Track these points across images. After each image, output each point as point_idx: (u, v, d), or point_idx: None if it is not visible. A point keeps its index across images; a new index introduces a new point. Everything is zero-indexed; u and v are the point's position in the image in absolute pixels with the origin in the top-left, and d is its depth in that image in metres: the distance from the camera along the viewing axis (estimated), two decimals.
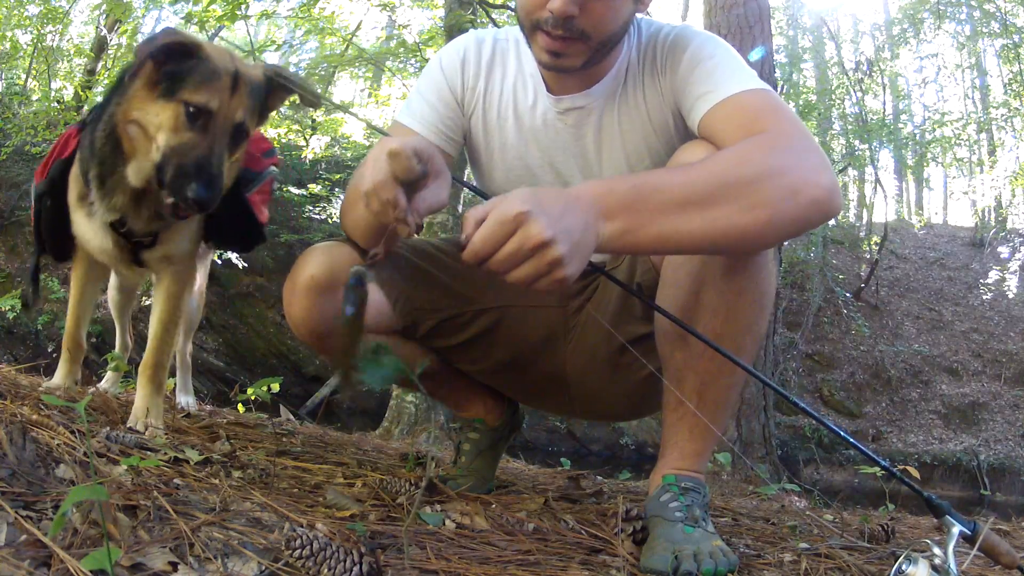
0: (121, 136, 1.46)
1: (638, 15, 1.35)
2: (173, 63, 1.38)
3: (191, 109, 1.37)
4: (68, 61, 12.61)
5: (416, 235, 1.08)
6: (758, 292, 1.25)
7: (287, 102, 1.59)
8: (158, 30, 1.47)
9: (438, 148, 1.47)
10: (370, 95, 11.42)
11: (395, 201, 1.02)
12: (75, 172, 1.59)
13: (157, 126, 1.40)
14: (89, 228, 1.59)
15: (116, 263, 1.67)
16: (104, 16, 10.24)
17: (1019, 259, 14.56)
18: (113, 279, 2.24)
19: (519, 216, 0.93)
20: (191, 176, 1.36)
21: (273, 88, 1.49)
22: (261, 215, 1.84)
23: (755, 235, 1.07)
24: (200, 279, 2.31)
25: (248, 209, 1.71)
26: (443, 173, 1.11)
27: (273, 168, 1.89)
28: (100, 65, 10.94)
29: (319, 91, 1.71)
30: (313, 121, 10.46)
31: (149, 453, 1.27)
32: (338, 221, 2.18)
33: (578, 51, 1.26)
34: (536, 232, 0.93)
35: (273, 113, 1.63)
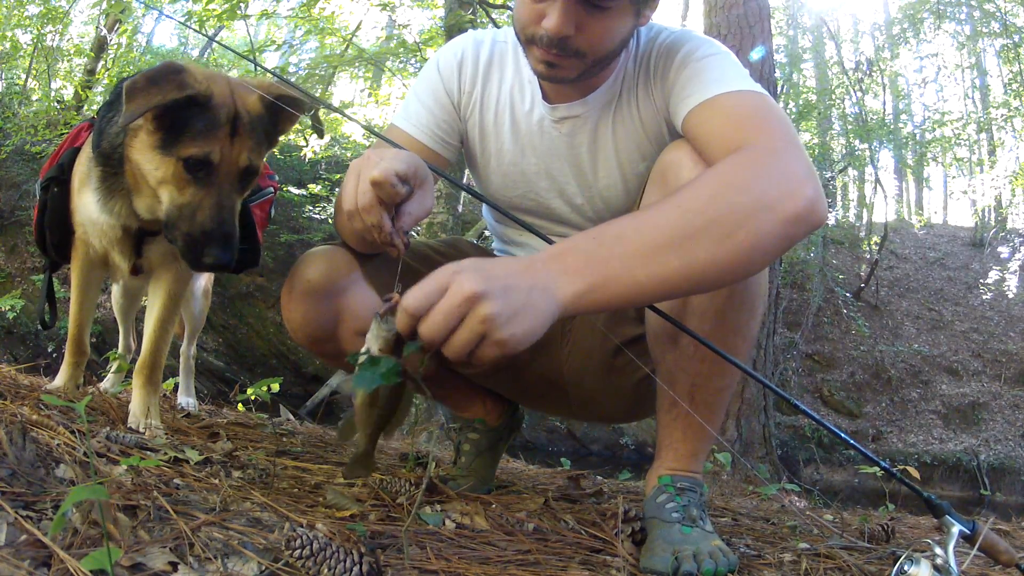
0: (125, 161, 1.41)
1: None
2: (169, 115, 1.31)
3: (191, 162, 1.31)
4: (68, 61, 12.62)
5: (405, 248, 1.06)
6: (748, 294, 1.23)
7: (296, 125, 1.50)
8: (157, 65, 1.33)
9: (434, 153, 1.45)
10: (370, 95, 11.41)
11: (380, 225, 1.02)
12: (86, 150, 1.55)
13: (158, 180, 1.35)
14: (95, 206, 1.52)
15: (115, 248, 1.60)
16: (104, 16, 10.24)
17: (1019, 259, 14.57)
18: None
19: (452, 274, 0.88)
20: (203, 243, 1.31)
21: (278, 112, 1.42)
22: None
23: (740, 264, 1.00)
24: (205, 280, 2.31)
25: (250, 220, 1.65)
26: (427, 181, 1.09)
27: (271, 190, 1.86)
28: (100, 65, 10.94)
29: (311, 99, 1.59)
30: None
31: (149, 453, 1.27)
32: None
33: (573, 66, 1.24)
34: (467, 284, 0.86)
35: (283, 137, 1.55)
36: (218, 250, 1.31)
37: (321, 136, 1.57)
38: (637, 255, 0.95)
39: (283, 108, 1.41)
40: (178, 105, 1.29)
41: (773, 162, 1.06)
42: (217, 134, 1.32)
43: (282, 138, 1.53)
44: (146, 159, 1.36)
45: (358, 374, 0.92)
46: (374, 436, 1.01)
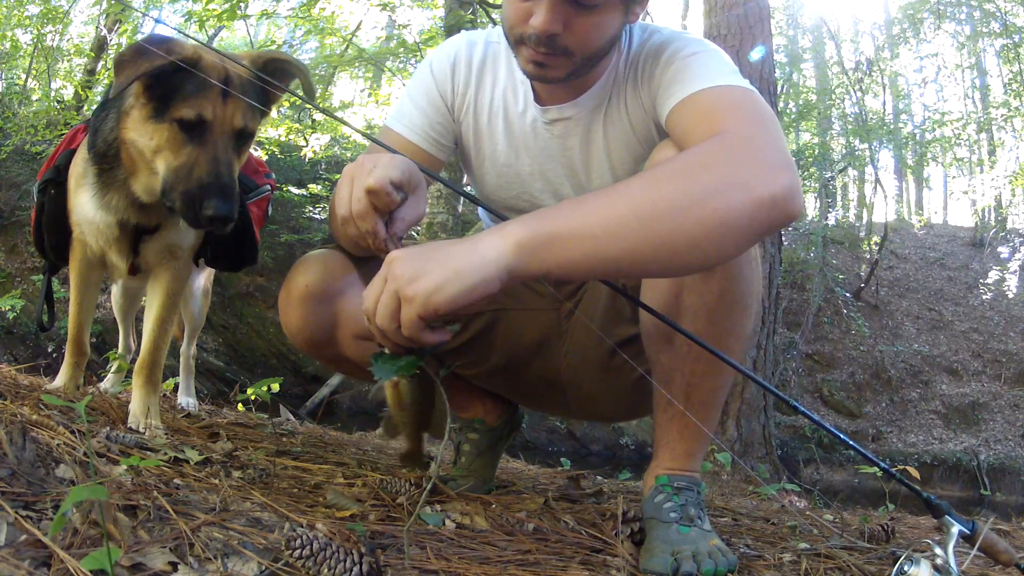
0: (121, 146, 1.42)
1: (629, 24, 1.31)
2: (159, 85, 1.31)
3: (185, 123, 1.31)
4: (68, 61, 12.63)
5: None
6: (739, 293, 1.22)
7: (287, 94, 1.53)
8: (147, 35, 1.37)
9: (428, 155, 1.45)
10: (370, 95, 11.42)
11: (375, 231, 1.02)
12: (82, 151, 1.56)
13: (154, 150, 1.35)
14: (91, 204, 1.53)
15: (112, 247, 1.60)
16: (104, 16, 10.25)
17: (1019, 259, 14.56)
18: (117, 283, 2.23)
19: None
20: (201, 197, 1.29)
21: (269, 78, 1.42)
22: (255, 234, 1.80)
23: (708, 240, 0.95)
24: (204, 280, 2.31)
25: (247, 217, 1.65)
26: (420, 186, 1.09)
27: (268, 188, 1.86)
28: (100, 65, 10.95)
29: (308, 101, 1.62)
30: (312, 121, 10.46)
31: (149, 453, 1.27)
32: None
33: (561, 65, 1.23)
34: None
35: (275, 105, 1.57)
36: (217, 201, 1.29)
37: (312, 97, 1.59)
38: (595, 216, 0.94)
39: (273, 74, 1.43)
40: (167, 72, 1.30)
41: (748, 147, 1.04)
42: (208, 94, 1.32)
43: (275, 105, 1.55)
44: (140, 133, 1.36)
45: (376, 366, 0.98)
46: (417, 434, 1.11)
